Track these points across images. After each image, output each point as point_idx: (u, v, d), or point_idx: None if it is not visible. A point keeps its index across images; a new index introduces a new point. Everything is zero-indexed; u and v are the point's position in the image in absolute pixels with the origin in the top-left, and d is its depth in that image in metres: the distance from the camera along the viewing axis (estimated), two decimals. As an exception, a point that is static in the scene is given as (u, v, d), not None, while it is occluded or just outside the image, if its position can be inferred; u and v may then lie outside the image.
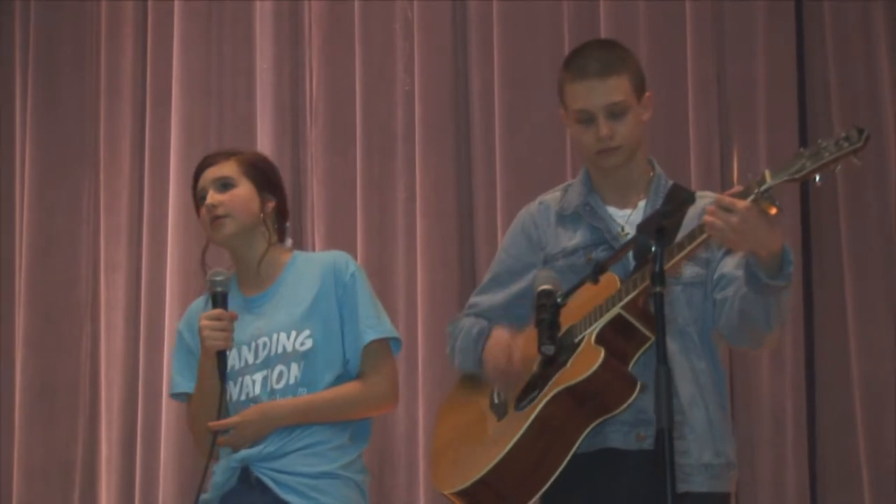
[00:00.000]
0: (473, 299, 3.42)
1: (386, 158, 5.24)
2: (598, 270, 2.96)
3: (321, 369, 3.33)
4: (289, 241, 3.55)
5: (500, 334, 3.21)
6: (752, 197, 2.85)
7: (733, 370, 4.75)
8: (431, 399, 4.96)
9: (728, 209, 2.84)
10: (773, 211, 2.86)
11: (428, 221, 5.12)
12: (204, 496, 3.34)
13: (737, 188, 2.91)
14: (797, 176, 2.80)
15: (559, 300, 2.95)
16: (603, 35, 4.95)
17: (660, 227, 2.75)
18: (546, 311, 2.94)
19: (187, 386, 3.42)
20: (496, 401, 3.22)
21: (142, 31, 5.60)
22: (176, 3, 5.53)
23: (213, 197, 3.39)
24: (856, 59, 4.83)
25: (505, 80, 5.10)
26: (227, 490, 3.31)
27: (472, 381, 3.36)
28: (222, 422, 3.29)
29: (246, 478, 3.30)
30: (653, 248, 2.72)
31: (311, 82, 5.37)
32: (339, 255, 3.47)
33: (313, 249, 5.22)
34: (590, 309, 3.07)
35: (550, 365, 3.08)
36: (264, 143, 5.31)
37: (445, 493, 3.16)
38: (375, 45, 5.30)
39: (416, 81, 5.22)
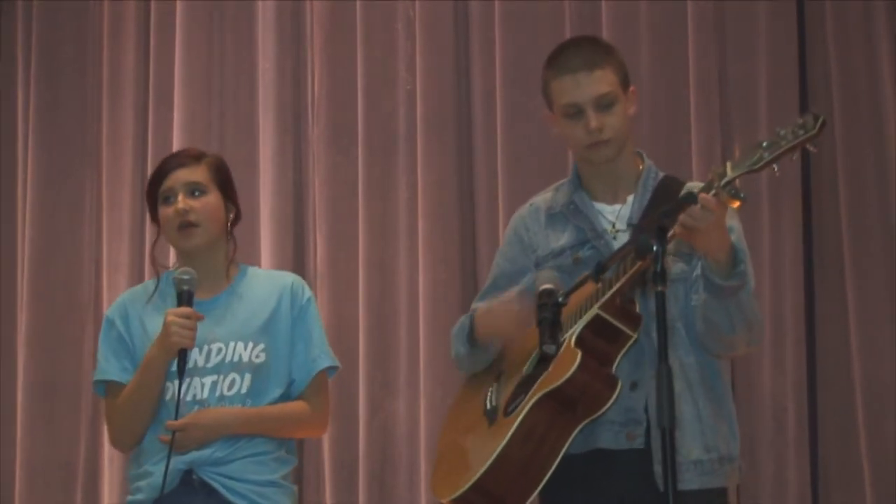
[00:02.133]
0: (474, 305, 3.42)
1: (388, 158, 5.24)
2: (599, 269, 2.96)
3: (270, 384, 3.36)
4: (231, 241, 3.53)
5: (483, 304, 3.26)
6: (713, 191, 2.86)
7: (735, 370, 4.75)
8: (433, 398, 4.97)
9: (704, 206, 2.85)
10: (736, 205, 2.87)
11: (429, 221, 5.12)
12: (136, 497, 3.34)
13: (701, 184, 2.93)
14: (755, 167, 2.82)
15: (560, 299, 2.96)
16: (605, 34, 4.95)
17: (661, 226, 2.75)
18: (547, 310, 2.95)
19: (117, 375, 3.39)
20: (488, 406, 3.22)
21: (144, 31, 5.59)
22: (178, 2, 5.53)
23: (185, 202, 3.39)
24: (857, 59, 4.83)
25: (506, 79, 5.10)
26: (167, 492, 3.28)
27: (471, 387, 3.36)
28: (177, 422, 3.27)
29: (188, 481, 3.30)
30: (654, 248, 2.72)
31: (312, 82, 5.37)
32: (295, 278, 3.52)
33: (315, 249, 5.24)
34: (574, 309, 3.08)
35: (539, 367, 3.09)
36: (266, 143, 5.32)
37: (442, 501, 3.17)
38: (377, 45, 5.30)
39: (417, 81, 5.22)
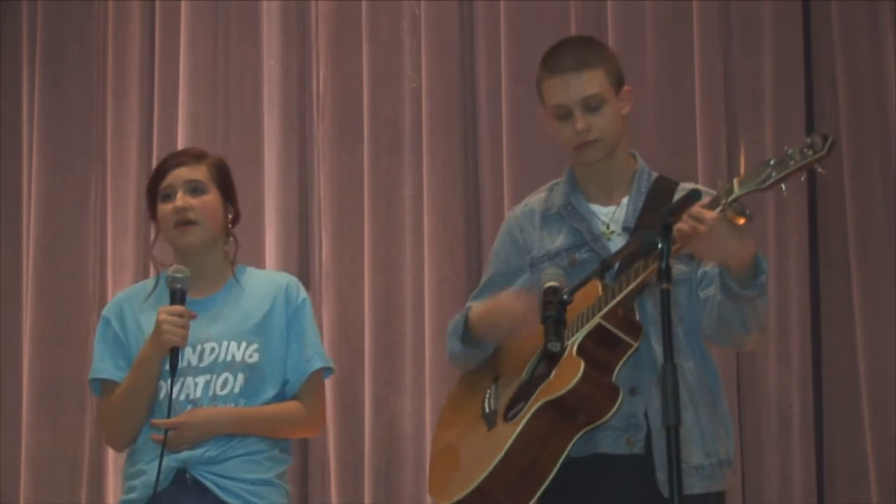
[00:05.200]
0: (469, 303, 3.40)
1: (393, 156, 5.24)
2: (604, 267, 2.96)
3: (264, 384, 3.36)
4: (231, 241, 3.50)
5: (479, 303, 3.25)
6: (719, 207, 2.85)
7: (740, 368, 4.76)
8: (438, 397, 4.96)
9: (697, 219, 2.84)
10: (742, 221, 2.86)
11: (435, 219, 5.12)
12: (130, 496, 3.34)
13: (707, 200, 2.89)
14: (763, 186, 2.80)
15: (565, 297, 2.95)
16: (610, 34, 4.96)
17: (666, 224, 2.75)
18: (552, 308, 2.94)
19: (111, 373, 3.39)
20: (487, 410, 3.21)
21: (149, 29, 5.60)
22: (183, 1, 5.54)
23: (184, 199, 3.39)
24: (863, 56, 4.82)
25: (512, 77, 5.10)
26: (160, 490, 3.26)
27: (466, 387, 3.35)
28: (167, 420, 3.27)
29: (181, 479, 3.30)
30: (659, 245, 2.71)
31: (318, 80, 5.37)
32: (291, 279, 3.51)
33: (320, 247, 5.24)
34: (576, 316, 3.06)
35: (539, 371, 3.09)
36: (271, 141, 5.33)
37: (440, 503, 3.16)
38: (382, 43, 5.31)
39: (423, 79, 5.22)
